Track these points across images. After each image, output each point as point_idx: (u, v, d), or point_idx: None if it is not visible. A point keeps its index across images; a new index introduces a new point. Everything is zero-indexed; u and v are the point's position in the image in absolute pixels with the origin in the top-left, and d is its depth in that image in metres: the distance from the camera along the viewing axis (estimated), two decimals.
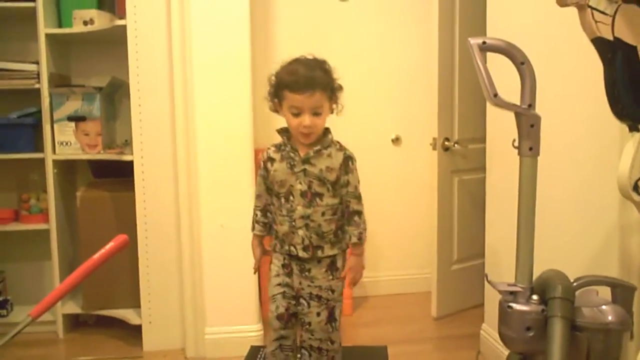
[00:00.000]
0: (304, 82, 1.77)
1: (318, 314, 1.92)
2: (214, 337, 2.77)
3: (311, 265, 1.90)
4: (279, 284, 1.95)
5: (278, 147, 1.93)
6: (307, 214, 1.85)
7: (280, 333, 1.96)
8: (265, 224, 2.01)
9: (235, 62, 2.70)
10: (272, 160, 1.93)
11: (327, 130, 1.90)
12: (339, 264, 1.94)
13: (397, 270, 3.66)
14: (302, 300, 1.93)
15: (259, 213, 2.02)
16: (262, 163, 1.96)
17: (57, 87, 2.90)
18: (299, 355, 1.99)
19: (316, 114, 1.80)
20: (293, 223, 1.86)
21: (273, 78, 1.86)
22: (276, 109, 1.90)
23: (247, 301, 2.80)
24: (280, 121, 1.95)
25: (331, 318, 1.93)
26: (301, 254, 1.88)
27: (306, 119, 1.79)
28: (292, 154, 1.87)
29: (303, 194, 1.85)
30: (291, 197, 1.85)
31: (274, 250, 1.99)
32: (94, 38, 2.96)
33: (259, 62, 3.02)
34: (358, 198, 1.91)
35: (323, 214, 1.86)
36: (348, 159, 1.89)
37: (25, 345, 2.84)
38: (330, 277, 1.92)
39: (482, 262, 2.80)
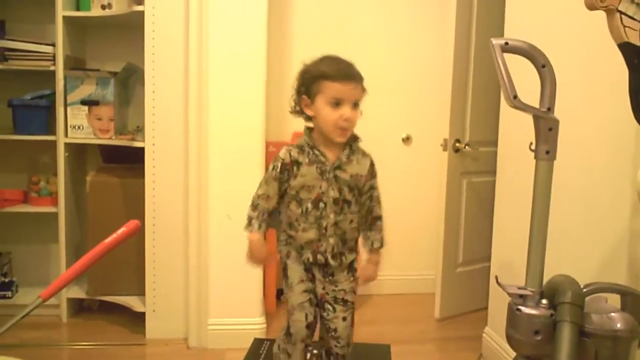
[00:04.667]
0: (348, 72, 1.73)
1: (344, 319, 1.85)
2: (217, 328, 2.77)
3: (334, 269, 1.84)
4: (305, 291, 1.84)
5: (301, 149, 1.80)
6: (338, 221, 1.79)
7: (307, 342, 1.86)
8: (268, 225, 1.90)
9: (251, 55, 2.69)
10: (298, 163, 1.79)
11: (357, 137, 1.84)
12: (356, 264, 1.91)
13: (401, 270, 3.66)
14: (327, 306, 1.86)
15: (265, 214, 1.85)
16: (279, 165, 1.80)
17: (72, 70, 2.90)
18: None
19: (356, 106, 1.74)
20: (324, 231, 1.78)
21: (305, 73, 1.78)
22: (300, 109, 1.80)
23: (251, 294, 2.80)
24: (295, 120, 1.90)
25: (352, 321, 1.89)
26: (332, 262, 1.81)
27: (348, 111, 1.71)
28: (322, 159, 1.78)
29: (335, 201, 1.78)
30: (321, 204, 1.77)
31: (287, 257, 1.88)
32: (111, 22, 2.97)
33: (274, 56, 3.03)
34: (380, 203, 1.90)
35: (351, 221, 1.82)
36: (373, 164, 1.87)
37: (28, 327, 2.84)
38: (352, 279, 1.88)
39: (487, 266, 2.80)
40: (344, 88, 1.71)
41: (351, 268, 1.88)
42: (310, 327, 1.84)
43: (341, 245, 1.82)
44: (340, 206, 1.79)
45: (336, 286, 1.85)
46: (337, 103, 1.72)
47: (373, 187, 1.88)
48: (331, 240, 1.79)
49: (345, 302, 1.86)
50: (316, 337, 1.96)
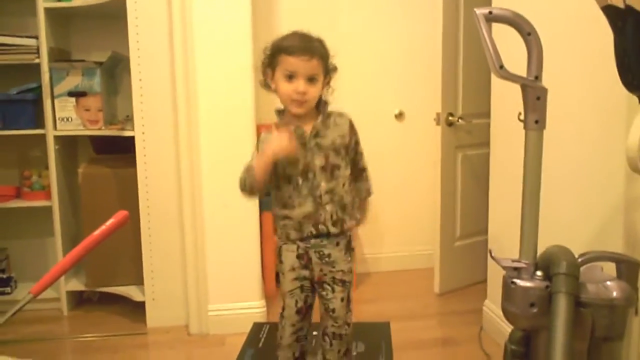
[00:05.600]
0: (302, 46, 1.73)
1: (342, 299, 1.86)
2: (217, 314, 2.77)
3: (330, 250, 1.83)
4: (296, 278, 1.85)
5: (277, 128, 1.81)
6: (331, 188, 1.79)
7: (298, 326, 1.88)
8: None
9: (236, 37, 2.66)
10: None
11: (325, 103, 1.84)
12: (353, 243, 1.91)
13: (399, 246, 3.66)
14: (325, 286, 1.85)
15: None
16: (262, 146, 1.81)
17: (57, 62, 2.87)
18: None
19: (311, 80, 1.74)
20: (319, 200, 1.78)
21: (268, 47, 1.80)
22: (267, 83, 1.83)
23: (250, 278, 2.80)
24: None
25: (349, 301, 1.89)
26: (332, 229, 1.80)
27: (300, 84, 1.72)
28: (299, 131, 1.79)
29: (323, 169, 1.78)
30: (310, 174, 1.77)
31: (286, 240, 1.85)
32: (94, 12, 2.92)
33: (261, 37, 2.98)
34: (363, 156, 1.92)
35: (343, 185, 1.82)
36: (351, 121, 1.87)
37: (29, 322, 2.85)
38: (349, 259, 1.88)
39: (485, 239, 2.79)
40: (296, 61, 1.72)
41: (348, 248, 1.87)
42: (300, 312, 1.87)
43: (339, 211, 1.81)
44: (330, 172, 1.79)
45: (333, 267, 1.84)
46: (290, 76, 1.73)
47: (357, 142, 1.89)
48: (328, 208, 1.79)
49: (343, 282, 1.86)
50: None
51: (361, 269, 3.56)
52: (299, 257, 1.84)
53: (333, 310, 1.86)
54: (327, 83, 1.82)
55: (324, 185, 1.78)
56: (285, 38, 1.77)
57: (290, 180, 1.79)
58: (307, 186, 1.78)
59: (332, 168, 1.79)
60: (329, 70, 1.81)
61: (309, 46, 1.74)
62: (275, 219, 1.89)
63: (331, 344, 1.88)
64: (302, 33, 1.78)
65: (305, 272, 1.85)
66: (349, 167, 1.85)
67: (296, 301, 1.86)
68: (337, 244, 1.84)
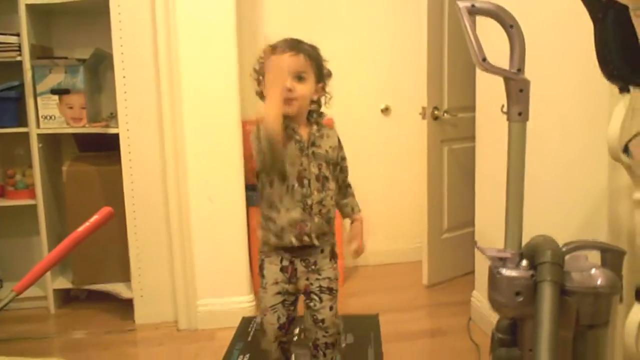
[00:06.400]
0: (290, 44, 1.72)
1: (330, 308, 1.82)
2: (205, 309, 2.78)
3: (316, 258, 1.80)
4: (279, 293, 1.79)
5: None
6: (322, 199, 1.76)
7: (280, 340, 1.84)
8: None
9: (220, 32, 2.65)
10: None
11: (321, 113, 1.83)
12: (337, 249, 1.88)
13: (387, 240, 3.67)
14: (313, 296, 1.81)
15: None
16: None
17: (39, 59, 2.84)
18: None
19: (299, 78, 1.71)
20: (309, 210, 1.74)
21: (263, 53, 1.77)
22: (262, 91, 1.77)
23: (238, 272, 2.80)
24: None
25: (336, 310, 1.86)
26: (316, 242, 1.76)
27: (287, 80, 1.68)
28: (297, 136, 1.75)
29: (317, 178, 1.75)
30: (305, 181, 1.73)
31: (267, 252, 1.81)
32: (76, 8, 2.89)
33: (246, 34, 2.98)
34: (348, 172, 1.92)
35: (331, 198, 1.80)
36: (338, 136, 1.87)
37: (17, 320, 2.84)
38: (335, 266, 1.85)
39: (472, 231, 2.81)
40: (282, 57, 1.70)
41: (333, 255, 1.85)
42: (282, 328, 1.82)
43: (325, 225, 1.78)
44: (321, 183, 1.76)
45: (320, 275, 1.81)
46: None
47: (344, 158, 1.89)
48: (316, 219, 1.75)
49: (330, 290, 1.83)
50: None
51: (349, 263, 3.56)
52: (282, 269, 1.79)
53: (323, 321, 1.82)
54: (322, 89, 1.80)
55: (316, 195, 1.75)
56: (275, 42, 1.76)
57: (285, 181, 1.74)
58: (300, 192, 1.73)
59: (323, 179, 1.77)
60: (322, 75, 1.79)
61: (295, 44, 1.73)
62: (261, 220, 1.83)
63: (325, 354, 1.85)
64: (292, 37, 1.77)
65: (288, 287, 1.80)
66: (335, 180, 1.83)
67: (278, 317, 1.80)
68: (322, 250, 1.81)
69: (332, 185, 1.80)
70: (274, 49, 1.74)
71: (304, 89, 1.73)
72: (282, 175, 1.74)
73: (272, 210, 1.76)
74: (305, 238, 1.75)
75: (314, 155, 1.76)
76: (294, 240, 1.74)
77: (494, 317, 1.50)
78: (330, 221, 1.81)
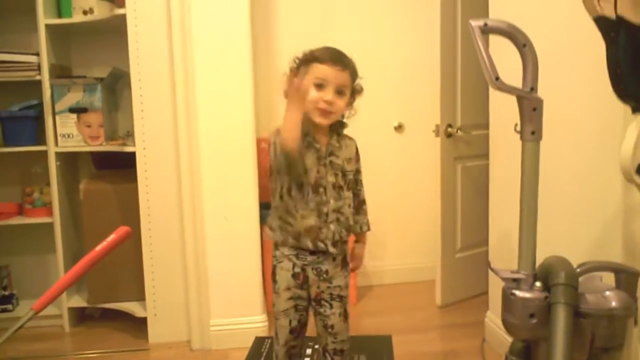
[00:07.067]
0: (337, 57, 1.76)
1: (340, 314, 1.85)
2: (219, 329, 2.77)
3: (327, 266, 1.82)
4: (291, 298, 1.83)
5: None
6: (338, 207, 1.79)
7: (291, 344, 1.87)
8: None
9: (236, 51, 2.68)
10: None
11: (344, 123, 1.86)
12: (348, 258, 1.90)
13: (401, 259, 3.65)
14: (323, 303, 1.84)
15: None
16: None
17: (58, 79, 2.89)
18: None
19: (340, 93, 1.75)
20: (325, 217, 1.77)
21: (301, 57, 1.80)
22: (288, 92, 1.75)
23: (251, 292, 2.79)
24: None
25: (346, 316, 1.88)
26: (331, 249, 1.79)
27: (329, 93, 1.72)
28: (316, 145, 1.78)
29: (334, 186, 1.78)
30: (321, 189, 1.76)
31: (281, 256, 1.82)
32: (94, 28, 2.95)
33: (260, 52, 3.01)
34: (363, 186, 1.93)
35: (349, 206, 1.83)
36: (357, 148, 1.89)
37: (31, 339, 2.85)
38: (346, 274, 1.87)
39: (486, 250, 2.79)
40: (329, 69, 1.73)
41: (345, 263, 1.87)
42: (294, 331, 1.85)
43: (344, 232, 1.82)
44: (337, 191, 1.79)
45: (331, 283, 1.83)
46: (320, 85, 1.73)
47: (359, 171, 1.90)
48: (332, 227, 1.78)
49: (341, 297, 1.85)
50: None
51: (363, 282, 3.55)
52: (294, 276, 1.82)
53: (332, 327, 1.84)
54: (351, 103, 1.83)
55: (332, 203, 1.78)
56: (317, 49, 1.79)
57: (301, 190, 1.77)
58: (315, 200, 1.76)
59: (339, 188, 1.80)
60: (355, 90, 1.83)
61: (343, 58, 1.77)
62: (273, 222, 1.83)
63: None
64: (335, 48, 1.80)
65: (300, 292, 1.83)
66: (350, 190, 1.85)
67: (290, 321, 1.84)
68: (334, 259, 1.83)
69: (348, 194, 1.83)
70: (315, 57, 1.76)
71: (342, 104, 1.77)
72: (299, 183, 1.77)
73: (288, 216, 1.79)
74: (320, 244, 1.78)
75: (331, 165, 1.79)
76: (309, 244, 1.78)
77: (508, 339, 1.49)
78: (349, 229, 1.84)
